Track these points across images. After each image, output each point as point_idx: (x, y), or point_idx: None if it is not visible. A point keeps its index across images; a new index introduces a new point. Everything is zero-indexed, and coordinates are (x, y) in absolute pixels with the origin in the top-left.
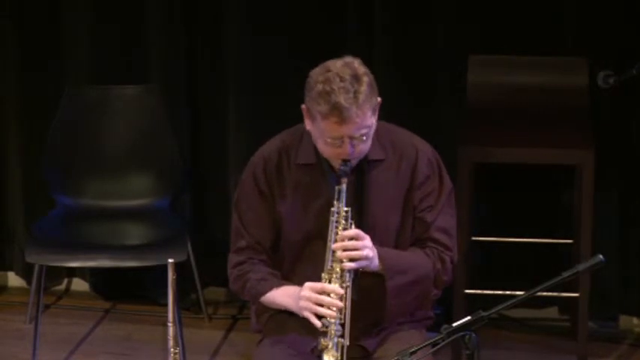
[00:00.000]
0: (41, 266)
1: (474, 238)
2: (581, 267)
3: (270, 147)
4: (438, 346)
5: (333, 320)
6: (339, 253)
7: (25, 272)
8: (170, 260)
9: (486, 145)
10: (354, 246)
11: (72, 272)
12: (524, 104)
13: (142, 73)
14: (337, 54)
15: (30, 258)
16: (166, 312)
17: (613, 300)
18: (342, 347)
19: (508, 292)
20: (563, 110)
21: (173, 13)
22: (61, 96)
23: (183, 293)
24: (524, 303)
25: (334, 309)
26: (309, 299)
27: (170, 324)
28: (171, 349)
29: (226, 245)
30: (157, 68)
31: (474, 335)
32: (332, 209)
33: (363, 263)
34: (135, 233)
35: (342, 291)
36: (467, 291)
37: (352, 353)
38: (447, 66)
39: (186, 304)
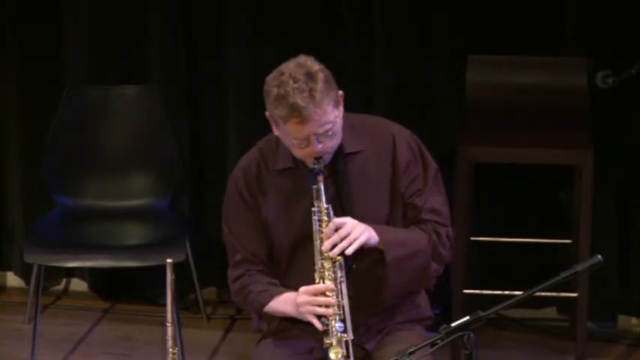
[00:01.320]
0: (40, 266)
1: (472, 238)
2: (579, 267)
3: (248, 159)
4: (437, 346)
5: (333, 317)
6: (331, 253)
7: (24, 272)
8: (169, 260)
9: (485, 145)
10: (339, 236)
11: (71, 272)
12: (523, 104)
13: (142, 74)
14: (337, 54)
15: (29, 258)
16: (165, 312)
17: (612, 300)
18: (347, 342)
19: (507, 292)
20: (562, 110)
21: (173, 13)
22: (61, 96)
23: (181, 293)
24: (522, 303)
25: (332, 307)
26: (307, 303)
27: (169, 324)
28: (170, 349)
29: (225, 246)
30: (157, 68)
31: (472, 335)
32: (313, 209)
33: (362, 239)
34: (134, 233)
35: (335, 288)
36: (465, 291)
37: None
38: (446, 66)
39: (185, 304)
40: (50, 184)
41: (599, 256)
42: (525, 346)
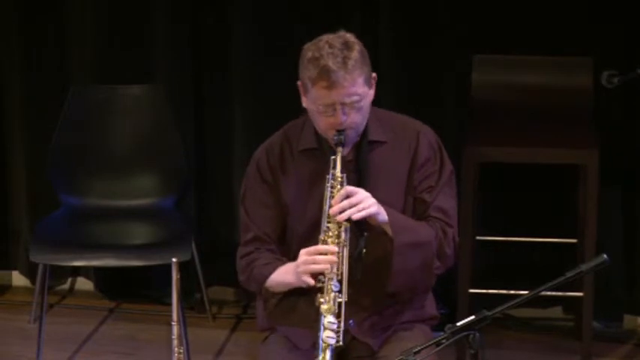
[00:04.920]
0: (45, 265)
1: (478, 238)
2: (585, 267)
3: (272, 139)
4: (442, 346)
5: (330, 276)
6: (338, 217)
7: (30, 271)
8: (174, 259)
9: (491, 145)
10: (349, 203)
11: (76, 271)
12: (528, 104)
13: (148, 73)
14: None
15: (34, 257)
16: (170, 311)
17: (617, 300)
18: (340, 304)
19: (512, 292)
20: (568, 110)
21: (178, 13)
22: (66, 96)
23: (187, 292)
24: (528, 302)
25: (332, 265)
26: (305, 262)
27: (174, 323)
28: (176, 349)
29: (230, 245)
30: (163, 68)
31: (478, 335)
32: (327, 176)
33: (371, 210)
34: (139, 233)
35: (336, 248)
36: (471, 290)
37: (357, 352)
38: (451, 66)
39: (191, 303)
40: (55, 183)
41: (605, 256)
42: (531, 346)
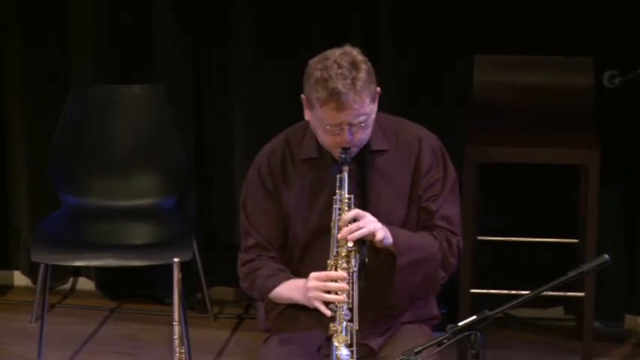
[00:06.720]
0: (47, 265)
1: (479, 238)
2: (586, 267)
3: (273, 144)
4: (444, 346)
5: (341, 305)
6: (349, 237)
7: (31, 271)
8: (175, 259)
9: (492, 145)
10: (357, 226)
11: (77, 271)
12: (529, 104)
13: (148, 73)
14: None
15: (35, 257)
16: (172, 311)
17: (618, 300)
18: (352, 331)
19: (513, 292)
20: (569, 110)
21: (180, 13)
22: (67, 95)
23: (188, 292)
24: (529, 303)
25: (342, 294)
26: (316, 288)
27: (175, 323)
28: (177, 349)
29: (231, 245)
30: (163, 68)
31: (479, 335)
32: (334, 197)
33: (378, 236)
34: (140, 232)
35: (347, 276)
36: (472, 290)
37: (358, 352)
38: (451, 66)
39: (192, 303)
40: (56, 183)
41: (606, 256)
42: (532, 346)
